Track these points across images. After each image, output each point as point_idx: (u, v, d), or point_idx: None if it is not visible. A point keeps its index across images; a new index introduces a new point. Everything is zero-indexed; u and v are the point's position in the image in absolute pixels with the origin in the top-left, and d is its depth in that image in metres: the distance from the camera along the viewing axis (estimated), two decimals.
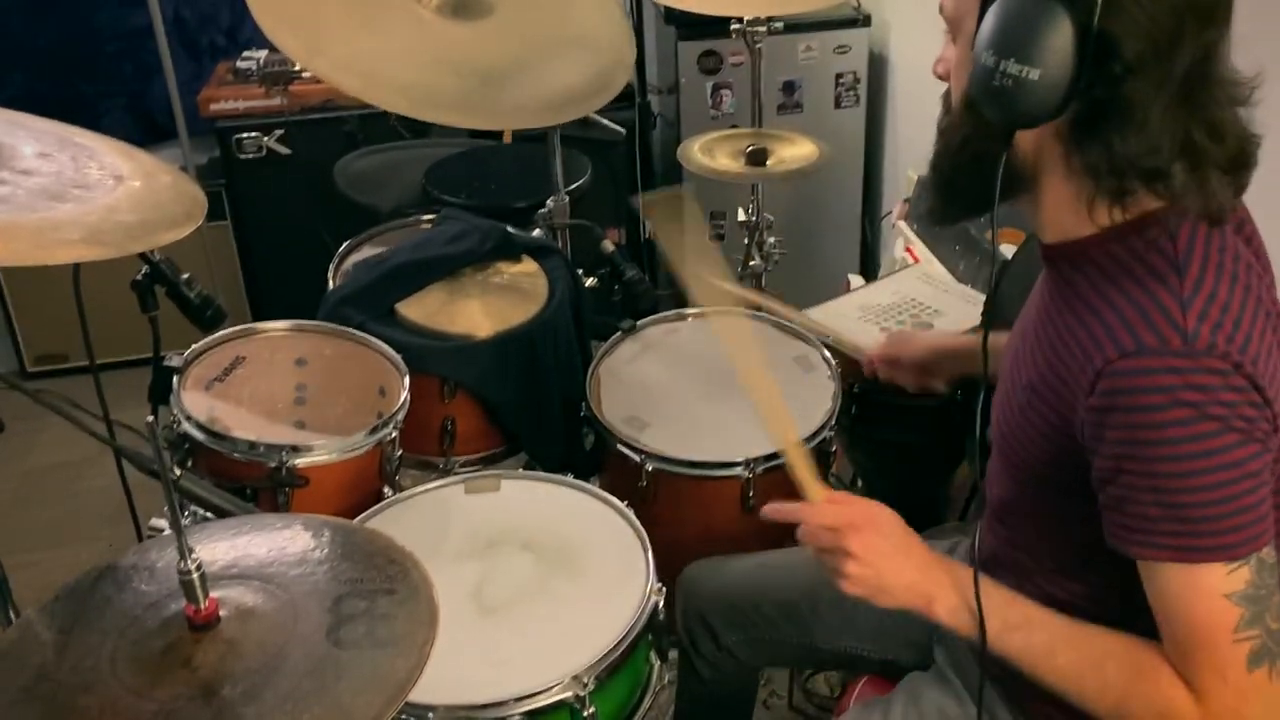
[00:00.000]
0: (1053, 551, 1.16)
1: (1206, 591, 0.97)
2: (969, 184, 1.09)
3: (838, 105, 3.11)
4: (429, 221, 2.19)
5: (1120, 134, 0.96)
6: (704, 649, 1.56)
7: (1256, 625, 0.97)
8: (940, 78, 1.13)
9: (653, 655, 1.44)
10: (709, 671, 1.58)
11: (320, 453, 1.57)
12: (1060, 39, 0.92)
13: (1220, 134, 0.98)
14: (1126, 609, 1.09)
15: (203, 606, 0.97)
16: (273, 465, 1.54)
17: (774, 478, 1.70)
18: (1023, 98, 0.94)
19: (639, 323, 2.02)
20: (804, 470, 1.25)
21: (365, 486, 1.65)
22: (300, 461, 1.56)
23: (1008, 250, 2.05)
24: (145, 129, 3.32)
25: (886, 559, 1.13)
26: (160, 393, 1.64)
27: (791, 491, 1.77)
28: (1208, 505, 0.96)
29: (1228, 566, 0.96)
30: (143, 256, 1.57)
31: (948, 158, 1.10)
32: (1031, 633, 1.08)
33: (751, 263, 2.50)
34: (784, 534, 1.75)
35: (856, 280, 2.41)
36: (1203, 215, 0.99)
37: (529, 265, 2.03)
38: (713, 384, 1.89)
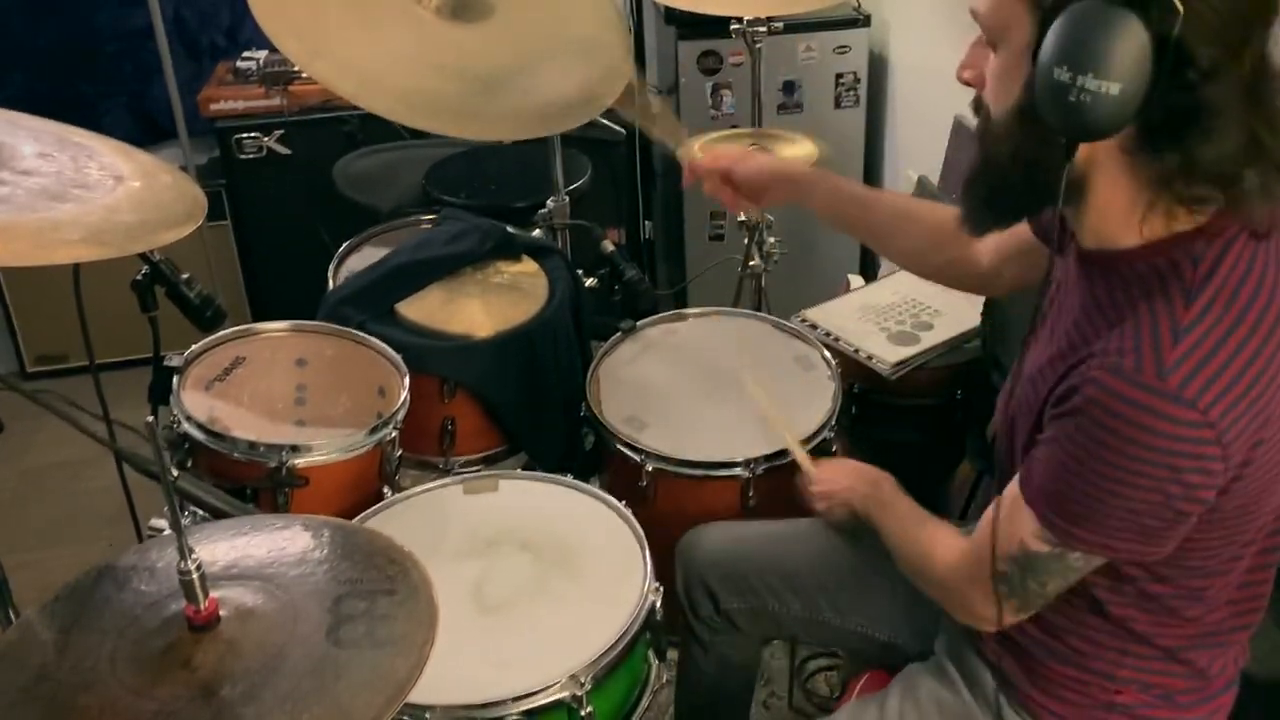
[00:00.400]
0: None
1: (1018, 522, 1.08)
2: (1018, 194, 1.08)
3: (838, 105, 3.10)
4: (429, 221, 2.19)
5: (1202, 140, 0.94)
6: (703, 613, 1.55)
7: (1017, 569, 1.10)
8: (967, 83, 1.10)
9: (651, 655, 1.44)
10: (708, 635, 1.57)
11: (320, 453, 1.57)
12: (1138, 51, 0.90)
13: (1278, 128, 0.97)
14: (1125, 601, 1.10)
15: (202, 607, 0.97)
16: (273, 465, 1.54)
17: (774, 478, 1.70)
18: (1099, 112, 0.92)
19: (639, 323, 2.02)
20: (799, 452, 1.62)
21: (365, 487, 1.66)
22: (300, 461, 1.56)
23: None
24: (145, 129, 3.31)
25: (839, 499, 1.47)
26: (160, 393, 1.65)
27: (790, 489, 1.78)
28: (1071, 500, 1.02)
29: (1043, 529, 1.06)
30: (143, 256, 1.58)
31: (996, 169, 1.07)
32: (886, 511, 1.36)
33: (751, 263, 2.49)
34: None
35: (856, 280, 2.41)
36: (1257, 223, 0.99)
37: (529, 265, 2.03)
38: (713, 384, 1.89)
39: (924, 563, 1.26)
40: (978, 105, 1.10)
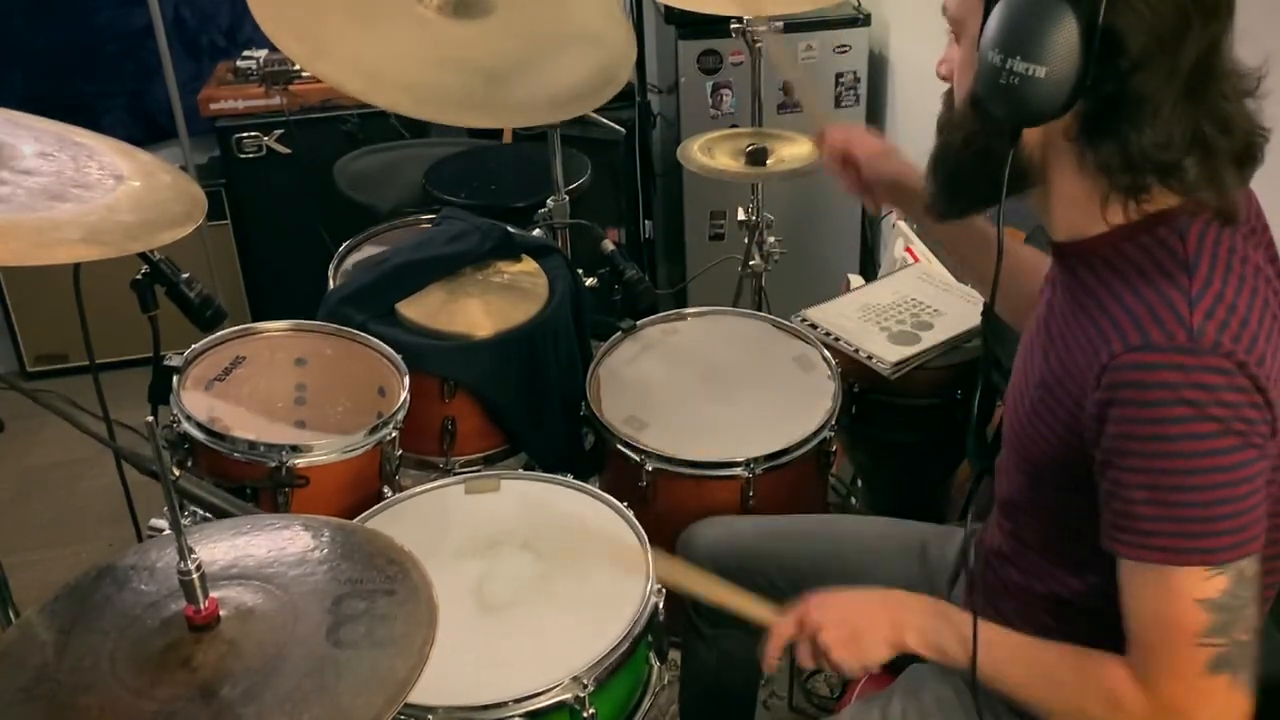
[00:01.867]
0: (1059, 549, 1.17)
1: (1179, 594, 0.98)
2: (973, 181, 1.09)
3: (838, 105, 3.10)
4: (429, 221, 2.19)
5: (1134, 128, 0.96)
6: (702, 606, 1.55)
7: (1223, 635, 0.98)
8: (944, 78, 1.13)
9: (653, 656, 1.44)
10: (709, 629, 1.57)
11: (320, 453, 1.57)
12: (1065, 36, 0.92)
13: (1229, 127, 0.98)
14: (1109, 631, 1.10)
15: (202, 607, 0.97)
16: (273, 465, 1.54)
17: (774, 478, 1.70)
18: (1029, 95, 0.94)
19: (639, 323, 2.02)
20: (743, 604, 1.31)
21: (365, 486, 1.65)
22: (300, 461, 1.56)
23: None
24: (145, 129, 3.31)
25: (850, 613, 1.20)
26: (160, 393, 1.64)
27: (790, 489, 1.78)
28: (1198, 506, 0.96)
29: (1207, 572, 0.97)
30: (143, 256, 1.57)
31: (950, 155, 1.10)
32: (990, 649, 1.11)
33: (751, 262, 2.49)
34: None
35: (856, 280, 2.41)
36: (1216, 212, 1.00)
37: (529, 265, 2.03)
38: (713, 384, 1.89)
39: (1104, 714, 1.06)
40: (949, 98, 1.12)
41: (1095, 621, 1.12)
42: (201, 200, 1.31)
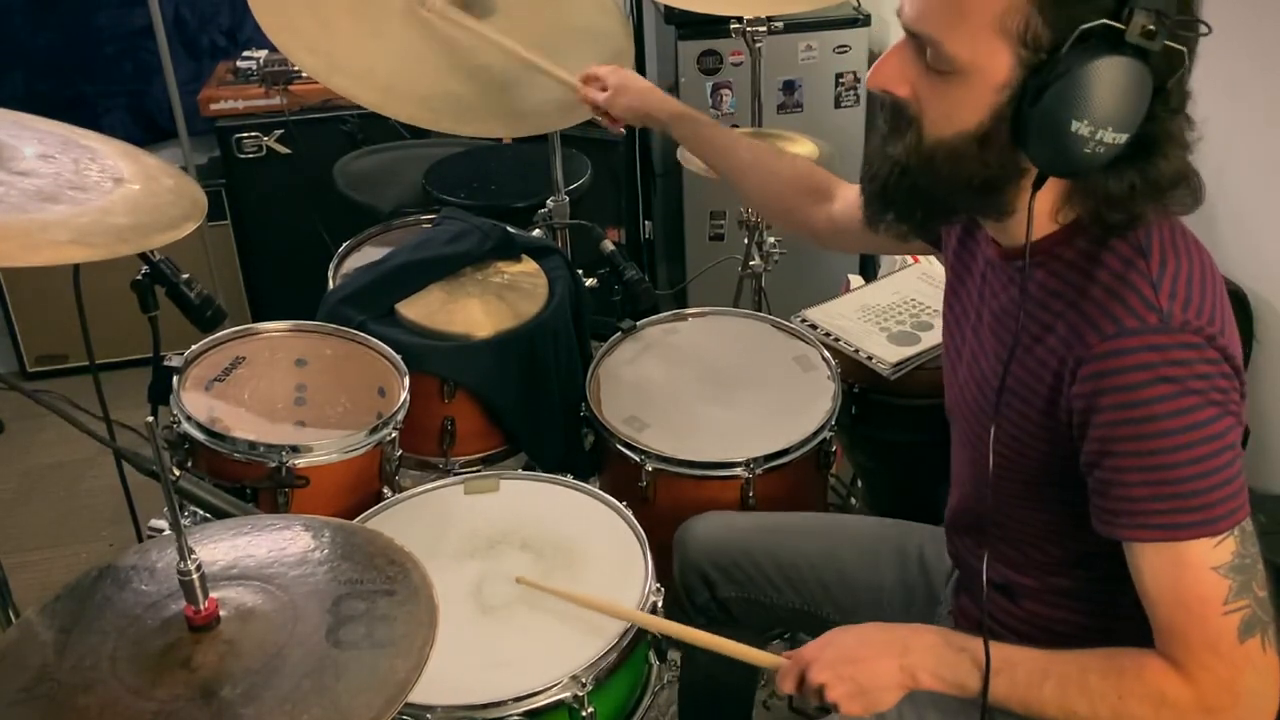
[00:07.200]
0: (1042, 561, 1.18)
1: (1195, 566, 0.98)
2: (952, 209, 1.10)
3: (838, 105, 3.11)
4: (429, 221, 2.19)
5: (1162, 161, 0.98)
6: (699, 600, 1.55)
7: (1245, 595, 0.98)
8: (896, 97, 1.05)
9: (652, 655, 1.44)
10: (705, 624, 1.57)
11: (320, 453, 1.58)
12: (1145, 101, 0.94)
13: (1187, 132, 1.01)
14: (1110, 613, 1.10)
15: (202, 607, 0.97)
16: (273, 465, 1.54)
17: (773, 478, 1.70)
18: (1101, 157, 0.95)
19: (639, 323, 2.02)
20: (743, 651, 1.24)
21: (365, 487, 1.66)
22: (300, 462, 1.56)
23: None
24: (145, 129, 3.31)
25: (854, 668, 1.12)
26: (160, 393, 1.65)
27: (790, 489, 1.77)
28: (1192, 479, 0.98)
29: (1214, 540, 0.98)
30: (143, 256, 1.58)
31: (940, 186, 1.05)
32: (1014, 672, 1.06)
33: (752, 262, 2.50)
34: None
35: (856, 280, 2.41)
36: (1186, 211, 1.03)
37: (529, 265, 2.03)
38: (713, 384, 1.89)
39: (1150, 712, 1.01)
40: (896, 110, 1.05)
41: (1084, 609, 1.13)
42: (202, 204, 1.31)
